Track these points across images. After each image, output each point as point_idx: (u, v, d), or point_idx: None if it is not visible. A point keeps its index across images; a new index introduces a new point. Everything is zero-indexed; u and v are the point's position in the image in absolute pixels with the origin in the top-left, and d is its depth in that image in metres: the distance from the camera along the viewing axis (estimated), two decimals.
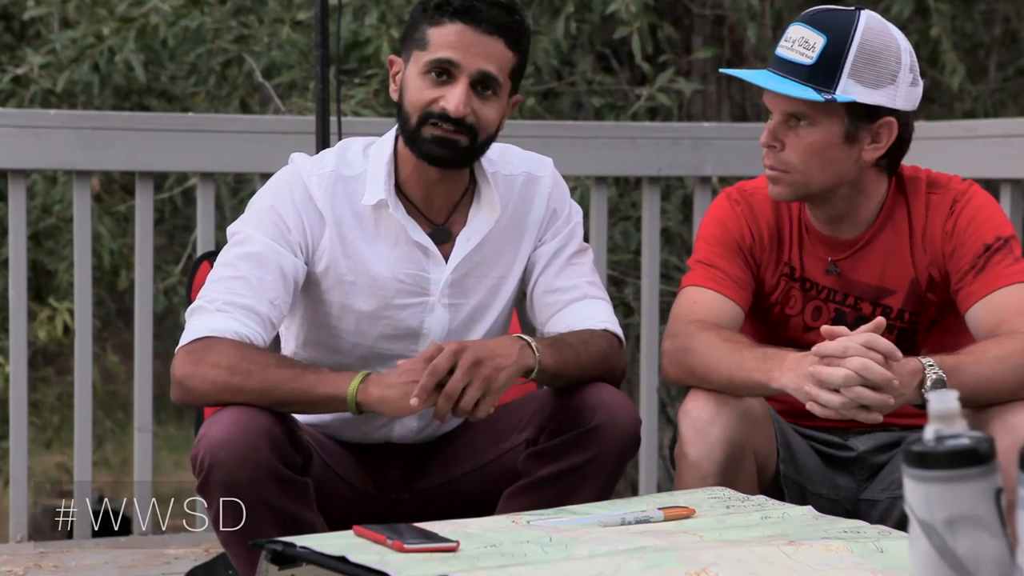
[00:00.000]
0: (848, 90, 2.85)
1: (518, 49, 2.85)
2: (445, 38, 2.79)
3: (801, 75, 2.86)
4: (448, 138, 2.81)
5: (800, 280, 3.05)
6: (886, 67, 2.88)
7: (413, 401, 2.63)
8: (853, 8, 2.92)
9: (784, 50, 2.90)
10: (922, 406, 2.71)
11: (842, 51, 2.85)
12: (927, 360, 2.75)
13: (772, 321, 3.08)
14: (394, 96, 2.89)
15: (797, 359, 2.75)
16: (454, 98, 2.79)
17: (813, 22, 2.88)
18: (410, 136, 2.84)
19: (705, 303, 2.98)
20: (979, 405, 2.75)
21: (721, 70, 3.23)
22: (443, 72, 2.80)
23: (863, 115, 2.89)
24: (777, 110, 2.91)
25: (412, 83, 2.83)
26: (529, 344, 2.74)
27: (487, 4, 2.80)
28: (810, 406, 2.72)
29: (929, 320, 3.03)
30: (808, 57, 2.86)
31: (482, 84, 2.81)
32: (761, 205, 3.05)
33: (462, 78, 2.80)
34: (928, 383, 2.73)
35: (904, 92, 2.90)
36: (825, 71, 2.85)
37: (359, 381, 2.68)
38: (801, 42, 2.88)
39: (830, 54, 2.85)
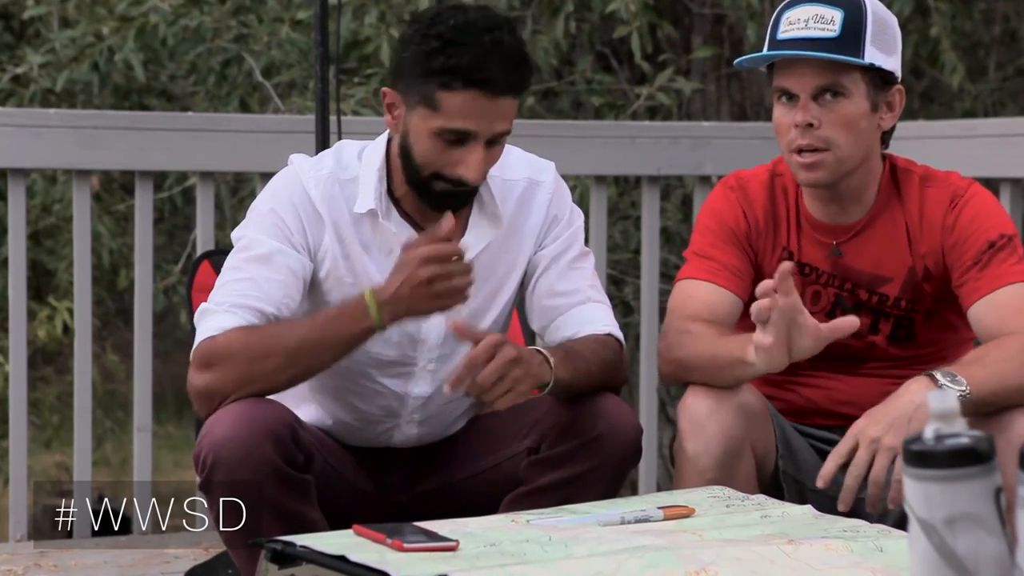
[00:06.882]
0: (873, 57, 2.88)
1: (526, 89, 2.78)
2: (459, 107, 2.66)
3: (830, 48, 2.85)
4: (459, 192, 2.77)
5: (799, 264, 3.03)
6: (892, 34, 2.92)
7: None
8: None
9: (797, 30, 2.88)
10: None
11: (860, 21, 2.86)
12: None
13: None
14: (393, 130, 2.80)
15: None
16: (473, 167, 2.69)
17: None
18: (418, 184, 2.77)
19: (700, 296, 2.97)
20: (993, 410, 2.72)
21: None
22: (458, 140, 2.71)
23: (880, 83, 2.91)
24: (807, 88, 2.88)
25: (421, 140, 2.72)
26: (548, 360, 2.72)
27: (497, 65, 2.66)
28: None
29: (926, 311, 3.02)
30: (831, 31, 2.86)
31: (496, 140, 2.74)
32: (756, 190, 3.04)
33: (478, 143, 2.70)
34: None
35: (899, 60, 2.94)
36: (851, 41, 2.86)
37: (376, 311, 2.68)
38: (816, 19, 2.86)
39: (851, 25, 2.86)
